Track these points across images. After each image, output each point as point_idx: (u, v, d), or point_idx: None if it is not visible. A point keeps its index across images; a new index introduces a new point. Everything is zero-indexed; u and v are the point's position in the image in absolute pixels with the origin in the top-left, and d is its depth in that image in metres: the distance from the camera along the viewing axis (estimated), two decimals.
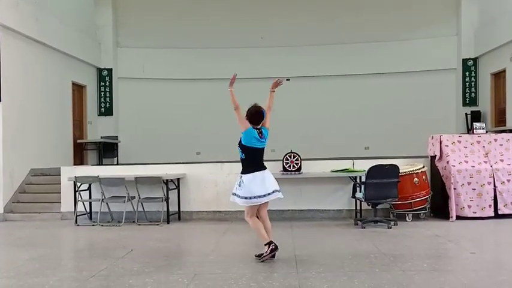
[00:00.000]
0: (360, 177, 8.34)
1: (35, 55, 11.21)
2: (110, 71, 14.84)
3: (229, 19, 15.25)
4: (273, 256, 5.55)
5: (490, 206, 8.15)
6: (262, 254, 5.55)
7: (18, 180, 10.21)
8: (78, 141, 13.27)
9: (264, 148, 5.66)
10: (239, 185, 5.56)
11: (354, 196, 8.35)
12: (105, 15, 14.91)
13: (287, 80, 15.51)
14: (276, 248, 5.50)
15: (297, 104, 15.07)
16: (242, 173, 5.59)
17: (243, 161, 5.61)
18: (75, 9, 13.61)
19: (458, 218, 8.10)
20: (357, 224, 7.92)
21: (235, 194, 5.59)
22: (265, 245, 5.53)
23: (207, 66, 15.20)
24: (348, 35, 15.08)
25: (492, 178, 8.20)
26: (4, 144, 9.82)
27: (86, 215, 9.20)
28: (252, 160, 5.57)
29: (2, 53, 9.87)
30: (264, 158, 5.69)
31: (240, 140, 5.60)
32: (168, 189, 8.72)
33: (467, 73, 14.47)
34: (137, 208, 8.85)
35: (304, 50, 15.29)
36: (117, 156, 14.51)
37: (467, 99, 14.49)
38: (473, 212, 8.15)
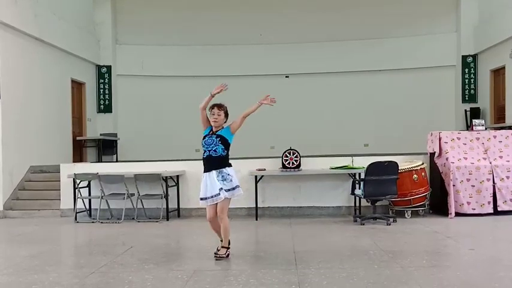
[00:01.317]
0: (359, 174, 8.34)
1: (34, 52, 11.19)
2: (109, 68, 14.82)
3: (228, 16, 15.21)
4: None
5: (489, 202, 8.16)
6: (220, 253, 5.60)
7: (17, 177, 10.21)
8: (78, 138, 13.25)
9: None
10: (224, 180, 5.45)
11: (353, 193, 8.35)
12: (104, 12, 14.87)
13: (286, 77, 15.55)
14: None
15: (295, 101, 15.03)
16: (226, 166, 5.51)
17: (223, 158, 5.51)
18: (74, 6, 13.57)
19: (457, 214, 8.11)
20: (356, 221, 7.93)
21: (224, 190, 5.43)
22: (227, 248, 5.59)
23: (206, 63, 15.15)
24: (346, 32, 15.04)
25: (491, 175, 8.21)
26: (3, 142, 9.81)
27: (86, 212, 9.22)
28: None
29: (1, 50, 9.87)
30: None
31: (227, 140, 5.52)
32: (167, 186, 8.72)
33: (466, 70, 14.45)
34: (137, 205, 8.87)
35: (303, 47, 15.25)
36: (117, 153, 14.51)
37: (467, 96, 14.47)
38: (472, 209, 8.15)
